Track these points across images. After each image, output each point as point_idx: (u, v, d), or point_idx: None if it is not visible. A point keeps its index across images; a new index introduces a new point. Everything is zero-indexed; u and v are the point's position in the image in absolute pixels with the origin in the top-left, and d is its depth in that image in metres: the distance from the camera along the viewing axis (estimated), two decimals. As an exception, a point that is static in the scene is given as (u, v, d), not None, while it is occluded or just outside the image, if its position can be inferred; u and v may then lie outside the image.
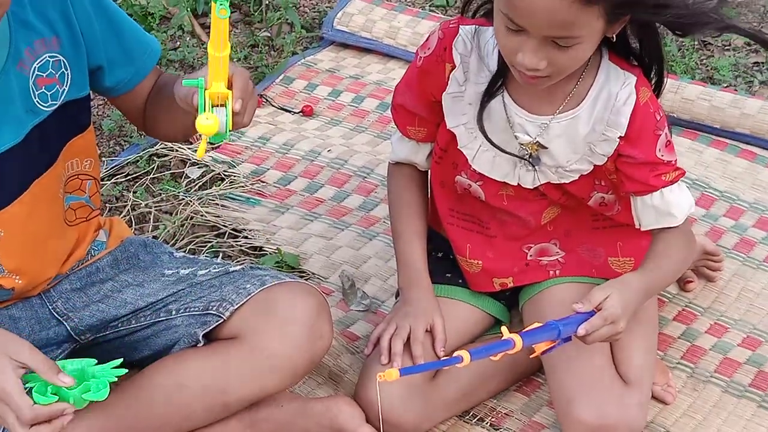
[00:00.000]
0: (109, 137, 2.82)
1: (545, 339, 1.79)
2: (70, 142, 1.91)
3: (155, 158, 2.72)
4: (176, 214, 2.57)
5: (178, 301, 1.98)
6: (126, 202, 2.59)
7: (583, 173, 1.96)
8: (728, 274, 2.41)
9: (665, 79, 1.96)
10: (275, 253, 2.44)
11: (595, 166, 1.95)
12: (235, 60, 3.17)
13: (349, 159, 2.74)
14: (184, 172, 2.70)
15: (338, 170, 2.72)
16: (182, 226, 2.54)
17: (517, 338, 1.72)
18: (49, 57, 1.82)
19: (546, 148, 1.94)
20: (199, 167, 2.70)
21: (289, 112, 2.94)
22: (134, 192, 2.62)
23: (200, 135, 1.67)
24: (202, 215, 2.57)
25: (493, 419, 2.10)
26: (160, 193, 2.64)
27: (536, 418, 2.11)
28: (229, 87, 1.68)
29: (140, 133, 2.76)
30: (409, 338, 2.00)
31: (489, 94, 1.93)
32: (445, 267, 2.16)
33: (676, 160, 1.94)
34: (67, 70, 1.85)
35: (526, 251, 2.09)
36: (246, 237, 2.52)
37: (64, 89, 1.85)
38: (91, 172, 1.98)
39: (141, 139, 2.75)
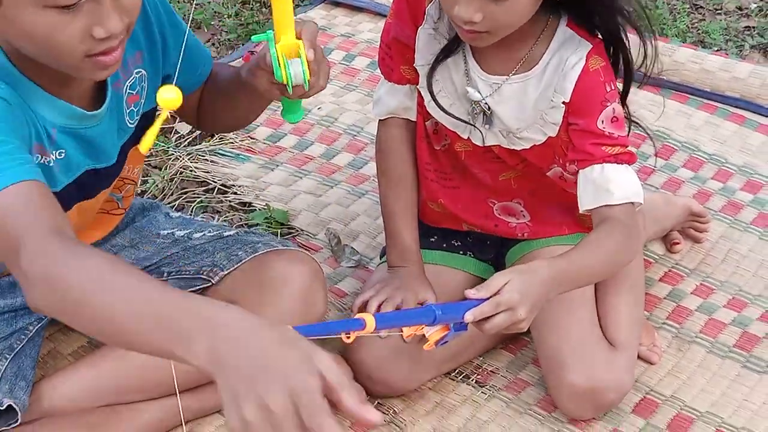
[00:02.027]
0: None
1: (420, 322, 1.72)
2: (129, 152, 1.91)
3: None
4: (165, 169, 2.57)
5: (172, 264, 1.98)
6: (138, 182, 2.58)
7: (537, 143, 1.93)
8: (715, 236, 2.42)
9: (632, 64, 1.91)
10: (264, 208, 2.44)
11: (549, 137, 1.91)
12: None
13: (339, 117, 2.74)
14: (173, 127, 2.69)
15: (328, 128, 2.72)
16: (171, 181, 2.53)
17: (369, 318, 1.58)
18: (135, 74, 1.80)
19: (492, 112, 1.92)
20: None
21: (280, 69, 2.93)
22: (123, 147, 2.61)
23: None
24: (191, 171, 2.57)
25: (478, 376, 2.11)
26: (150, 148, 2.62)
27: (521, 375, 2.12)
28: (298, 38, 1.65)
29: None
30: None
31: (449, 49, 1.92)
32: (430, 232, 2.15)
33: (624, 139, 1.87)
34: (145, 83, 1.83)
35: (491, 205, 2.08)
36: (235, 193, 2.52)
37: (142, 102, 1.84)
38: (134, 178, 1.98)
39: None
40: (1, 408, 1.77)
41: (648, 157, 2.61)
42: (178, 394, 1.71)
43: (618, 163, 1.85)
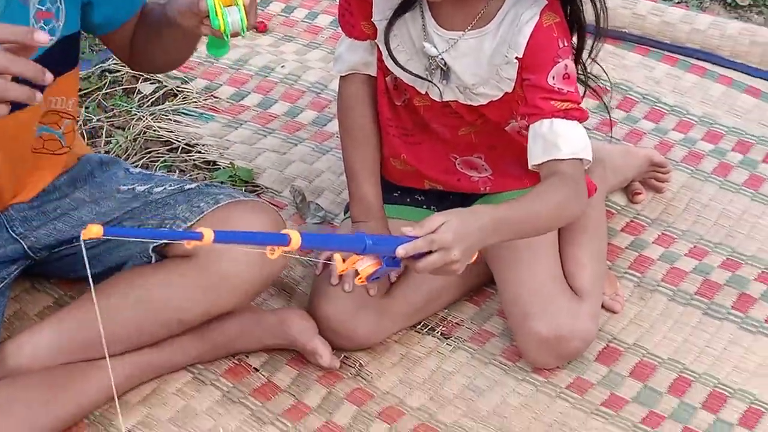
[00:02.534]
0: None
1: (349, 249, 1.70)
2: (56, 79, 1.88)
3: (107, 74, 2.70)
4: (129, 129, 2.55)
5: (133, 218, 1.97)
6: (78, 117, 2.57)
7: (494, 99, 1.93)
8: (676, 186, 2.44)
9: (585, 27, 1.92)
10: (228, 167, 2.44)
11: (505, 93, 1.91)
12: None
13: (303, 75, 2.74)
14: (136, 87, 2.68)
15: (291, 86, 2.71)
16: (135, 141, 2.52)
17: (294, 235, 1.57)
18: None
19: (448, 67, 1.92)
20: (151, 83, 2.69)
21: (242, 28, 2.92)
22: (86, 108, 2.59)
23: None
24: (154, 130, 2.56)
25: (443, 328, 2.12)
26: (113, 109, 2.62)
27: (486, 326, 2.13)
28: None
29: (91, 49, 2.74)
30: None
31: (406, 4, 1.91)
32: (394, 187, 2.15)
33: (574, 95, 1.86)
34: (61, 4, 1.81)
35: (453, 160, 2.08)
36: (199, 152, 2.51)
37: (59, 24, 1.81)
38: (71, 112, 1.96)
39: (92, 54, 2.72)
40: None
41: (611, 109, 2.62)
42: (109, 365, 1.68)
43: (568, 119, 1.85)
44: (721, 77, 2.77)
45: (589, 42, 1.95)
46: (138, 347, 1.93)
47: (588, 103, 2.13)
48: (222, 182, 2.39)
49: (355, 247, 1.68)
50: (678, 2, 3.01)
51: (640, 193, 2.39)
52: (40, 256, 1.99)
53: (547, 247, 2.05)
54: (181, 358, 1.99)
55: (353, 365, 2.04)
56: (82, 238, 1.43)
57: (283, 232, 1.56)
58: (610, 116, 2.22)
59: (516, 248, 1.98)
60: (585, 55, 1.96)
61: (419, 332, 2.11)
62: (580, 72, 1.95)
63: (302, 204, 2.36)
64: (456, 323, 2.13)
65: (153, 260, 1.92)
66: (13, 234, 1.96)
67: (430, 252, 1.69)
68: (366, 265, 1.71)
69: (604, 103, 2.14)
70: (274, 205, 2.35)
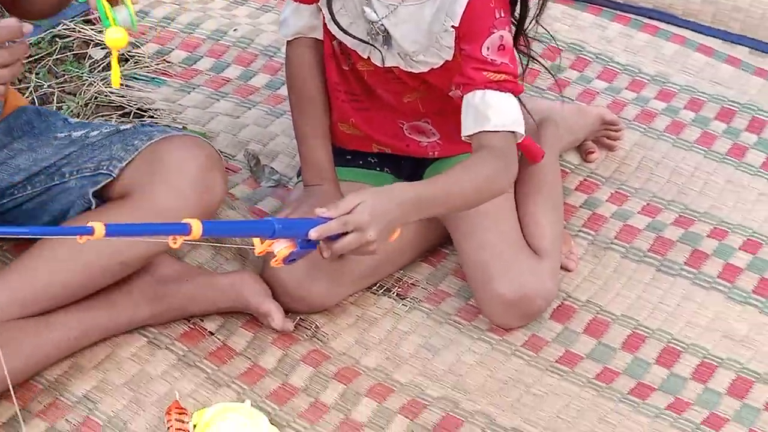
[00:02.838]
0: (10, 19, 2.76)
1: (257, 234, 1.71)
2: None
3: (58, 39, 2.66)
4: (80, 94, 2.53)
5: (71, 163, 1.95)
6: (29, 83, 2.54)
7: (434, 67, 1.93)
8: (629, 144, 2.45)
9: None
10: (182, 131, 2.42)
11: (446, 61, 1.91)
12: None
13: (256, 38, 2.72)
14: (87, 53, 2.65)
15: (244, 49, 2.69)
16: (86, 106, 2.50)
17: (194, 224, 1.58)
18: None
19: (389, 33, 1.92)
20: (102, 48, 2.65)
21: (195, -8, 2.90)
22: (37, 73, 2.57)
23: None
24: (106, 95, 2.53)
25: (399, 289, 2.12)
26: (63, 74, 2.60)
27: (441, 286, 2.14)
28: None
29: (43, 15, 2.72)
30: None
31: None
32: (345, 150, 2.15)
33: (508, 67, 1.85)
34: None
35: (401, 126, 2.08)
36: (152, 116, 2.49)
37: None
38: None
39: (43, 20, 2.69)
40: None
41: (563, 69, 2.62)
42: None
43: (501, 91, 1.84)
44: (673, 36, 2.77)
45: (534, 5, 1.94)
46: (84, 296, 1.92)
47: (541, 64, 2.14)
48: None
49: (263, 232, 1.69)
50: (630, -38, 3.01)
51: (593, 152, 2.40)
52: None
53: (505, 209, 2.06)
54: (135, 319, 1.98)
55: (309, 327, 2.04)
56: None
57: (185, 221, 1.57)
58: (555, 76, 2.23)
59: (474, 212, 1.97)
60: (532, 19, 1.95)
61: (375, 293, 2.12)
62: (522, 44, 1.94)
63: (256, 168, 2.35)
64: (411, 284, 2.14)
65: (93, 205, 1.91)
66: None
67: (345, 233, 1.70)
68: (281, 247, 1.72)
69: (546, 67, 2.15)
70: (228, 169, 2.34)
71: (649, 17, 2.82)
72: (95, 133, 1.99)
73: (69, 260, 1.88)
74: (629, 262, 2.19)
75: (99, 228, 1.47)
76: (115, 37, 1.65)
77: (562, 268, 2.15)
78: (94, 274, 1.91)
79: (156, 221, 1.83)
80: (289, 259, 1.75)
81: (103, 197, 1.92)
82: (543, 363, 2.00)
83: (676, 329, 2.07)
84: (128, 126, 2.01)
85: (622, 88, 2.59)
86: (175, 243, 1.58)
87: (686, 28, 2.81)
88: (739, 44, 2.76)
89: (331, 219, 1.71)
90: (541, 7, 1.93)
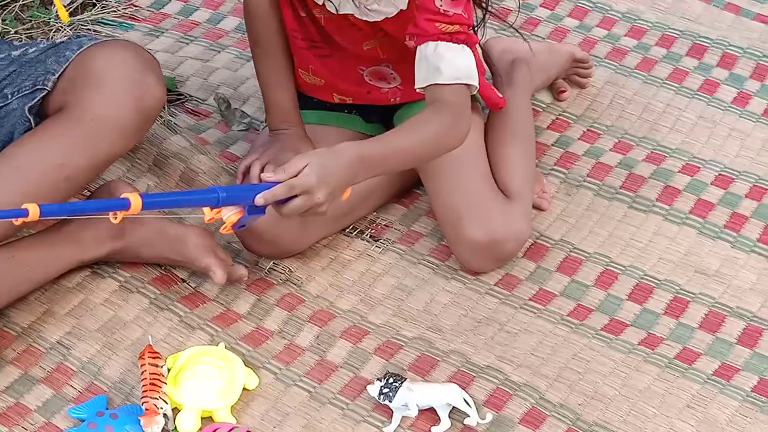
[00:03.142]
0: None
1: (200, 204, 1.71)
2: None
3: (23, -15, 2.64)
4: (48, 40, 2.51)
5: (12, 84, 1.92)
6: (-5, 29, 2.52)
7: (389, 16, 1.91)
8: (600, 81, 2.45)
9: None
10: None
11: (400, 10, 1.89)
12: None
13: (226, -18, 2.70)
14: (53, -2, 2.63)
15: (212, -8, 2.67)
16: (54, 52, 2.48)
17: (133, 197, 1.59)
18: None
19: None
20: (68, -7, 2.64)
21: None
22: (3, 20, 2.54)
23: None
24: (73, 41, 2.52)
25: (372, 231, 2.13)
26: (30, 20, 2.57)
27: (415, 227, 2.14)
28: None
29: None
30: None
31: None
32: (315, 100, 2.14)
33: (461, 17, 1.83)
34: None
35: (361, 72, 2.06)
36: (120, 62, 2.47)
37: None
38: None
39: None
40: None
41: (534, 8, 2.61)
42: None
43: (454, 42, 1.82)
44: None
45: None
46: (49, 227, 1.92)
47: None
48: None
49: (207, 202, 1.68)
50: None
51: (564, 91, 2.40)
52: None
53: (476, 152, 2.05)
54: (95, 251, 1.98)
55: (283, 272, 2.05)
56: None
57: (123, 196, 1.57)
58: (512, 26, 2.20)
59: (444, 156, 1.96)
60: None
61: (348, 236, 2.12)
62: None
63: (227, 111, 2.34)
64: (384, 225, 2.14)
65: (33, 123, 1.89)
66: None
67: (292, 196, 1.70)
68: (230, 213, 1.71)
69: (504, 20, 2.15)
70: (198, 112, 2.33)
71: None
72: (33, 50, 1.95)
73: (12, 182, 1.84)
74: (601, 200, 2.20)
75: (33, 210, 1.50)
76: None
77: (535, 207, 2.15)
78: (42, 193, 1.85)
79: (95, 132, 1.83)
80: (239, 225, 1.74)
81: (42, 114, 1.90)
82: (516, 301, 2.01)
83: (649, 265, 2.08)
84: (64, 39, 1.97)
85: (593, 25, 2.59)
86: (115, 219, 1.58)
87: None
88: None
89: (278, 183, 1.70)
90: None
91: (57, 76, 1.87)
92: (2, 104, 1.91)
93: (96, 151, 1.86)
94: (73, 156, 1.85)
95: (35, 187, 1.81)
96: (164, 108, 2.17)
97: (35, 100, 1.88)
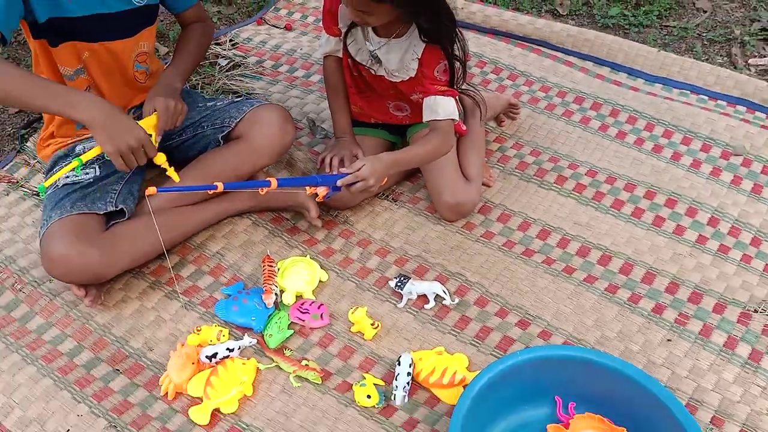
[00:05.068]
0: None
1: (309, 184, 1.74)
2: (141, 31, 1.85)
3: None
4: (213, 84, 2.49)
5: (206, 121, 1.95)
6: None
7: (404, 79, 1.90)
8: (523, 116, 2.42)
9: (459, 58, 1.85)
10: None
11: (410, 77, 1.88)
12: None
13: (312, 54, 2.68)
14: (217, 61, 2.61)
15: (306, 60, 2.64)
16: (216, 91, 2.46)
17: (273, 180, 1.65)
18: None
19: (379, 58, 1.89)
20: (224, 59, 2.62)
21: (277, 27, 2.85)
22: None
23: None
24: (228, 86, 2.49)
25: (393, 196, 2.13)
26: (203, 73, 2.55)
27: (417, 195, 2.14)
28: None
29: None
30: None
31: (353, 24, 1.89)
32: (357, 121, 2.12)
33: (447, 83, 1.82)
34: None
35: (388, 106, 2.06)
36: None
37: None
38: (150, 52, 1.92)
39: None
40: (117, 209, 1.77)
41: (487, 73, 2.59)
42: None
43: (445, 96, 1.82)
44: (550, 56, 2.71)
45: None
46: (217, 197, 1.93)
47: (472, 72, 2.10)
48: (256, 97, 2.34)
49: (312, 183, 1.73)
50: (527, 12, 2.95)
51: (503, 121, 2.38)
52: (159, 146, 1.95)
53: (452, 155, 2.04)
54: (242, 206, 1.99)
55: (343, 217, 2.05)
56: (147, 193, 1.55)
57: (267, 179, 1.64)
58: (463, 82, 2.17)
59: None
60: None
61: (379, 198, 2.12)
62: (458, 73, 1.90)
63: (313, 127, 2.34)
64: (400, 192, 2.14)
65: (222, 143, 1.91)
66: None
67: (356, 182, 1.73)
68: (322, 191, 1.75)
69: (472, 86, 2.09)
70: (297, 128, 2.34)
71: (536, 44, 2.77)
72: (220, 103, 1.98)
73: (209, 170, 1.88)
74: (523, 183, 2.18)
75: (274, 182, 1.61)
76: (161, 162, 1.69)
77: (484, 185, 2.14)
78: (223, 179, 1.89)
79: (255, 153, 1.86)
80: (327, 196, 1.77)
81: (225, 140, 1.92)
82: (473, 237, 2.01)
83: (548, 218, 2.06)
84: (239, 99, 1.99)
85: (521, 84, 2.57)
86: (262, 192, 1.64)
87: (557, 50, 2.74)
88: (588, 60, 2.70)
89: (348, 174, 1.73)
90: (464, 72, 1.89)
91: (237, 120, 1.89)
92: (200, 132, 1.94)
93: (255, 164, 1.91)
94: (241, 164, 1.89)
95: (222, 177, 1.83)
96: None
97: (223, 132, 1.89)
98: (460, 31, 1.81)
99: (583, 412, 1.54)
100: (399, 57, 1.87)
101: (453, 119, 1.85)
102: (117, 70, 1.85)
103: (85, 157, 1.61)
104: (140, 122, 1.67)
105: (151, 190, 1.55)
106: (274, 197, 1.99)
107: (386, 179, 1.83)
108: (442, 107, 1.82)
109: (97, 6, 1.73)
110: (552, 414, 1.56)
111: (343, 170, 1.76)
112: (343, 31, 1.94)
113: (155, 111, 1.71)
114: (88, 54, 1.78)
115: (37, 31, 1.71)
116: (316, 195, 1.78)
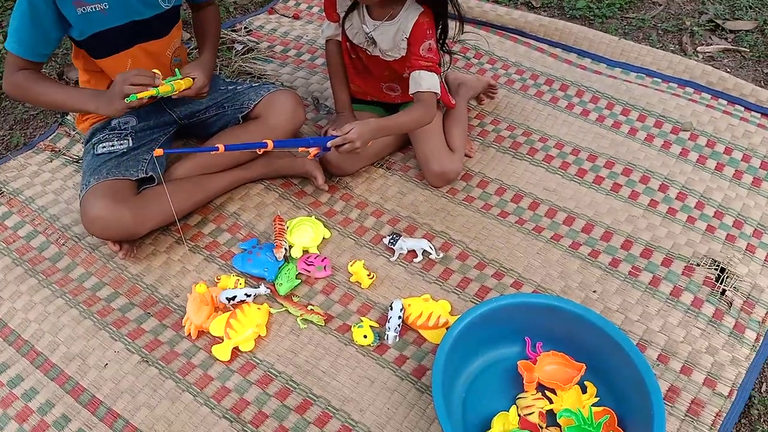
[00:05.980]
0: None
1: (301, 146, 1.71)
2: (174, 27, 1.81)
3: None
4: (230, 66, 2.46)
5: (228, 101, 1.93)
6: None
7: (396, 58, 1.88)
8: (501, 96, 2.39)
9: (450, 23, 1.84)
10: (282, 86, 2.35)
11: (402, 56, 1.86)
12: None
13: (317, 40, 2.63)
14: (233, 46, 2.57)
15: (312, 45, 2.60)
16: (233, 73, 2.42)
17: (270, 142, 1.61)
18: None
19: (374, 39, 1.86)
20: (239, 44, 2.57)
21: (286, 16, 2.79)
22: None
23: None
24: (243, 68, 2.45)
25: (387, 164, 2.11)
26: (220, 56, 2.51)
27: (408, 163, 2.12)
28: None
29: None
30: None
31: (353, 5, 1.86)
32: (355, 99, 2.10)
33: (433, 59, 1.79)
34: None
35: (382, 85, 2.03)
36: (265, 78, 2.42)
37: None
38: (180, 44, 1.89)
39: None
40: (147, 175, 1.76)
41: (470, 57, 2.56)
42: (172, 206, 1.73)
43: (428, 71, 1.80)
44: (524, 42, 2.67)
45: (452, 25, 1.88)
46: (234, 166, 1.92)
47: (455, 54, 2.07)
48: (272, 82, 2.31)
49: (304, 145, 1.70)
50: (505, 4, 2.90)
51: (483, 100, 2.35)
52: (183, 122, 1.95)
53: (438, 128, 2.02)
54: (256, 174, 1.98)
55: (343, 182, 2.04)
56: (155, 155, 1.53)
57: (264, 140, 1.60)
58: (459, 67, 2.15)
59: (422, 129, 1.95)
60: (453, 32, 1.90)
61: (374, 166, 2.10)
62: (445, 48, 1.89)
63: (317, 103, 2.31)
64: (393, 161, 2.12)
65: (240, 122, 1.89)
66: (168, 109, 1.92)
67: (344, 143, 1.70)
68: (313, 150, 1.72)
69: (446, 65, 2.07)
70: (305, 105, 2.30)
71: (514, 33, 2.72)
72: (240, 87, 1.96)
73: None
74: (500, 154, 2.16)
75: (270, 143, 1.56)
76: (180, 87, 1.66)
77: (466, 155, 2.13)
78: (242, 156, 1.90)
79: (270, 130, 1.84)
80: (317, 156, 1.75)
81: (245, 119, 1.90)
82: (456, 200, 2.00)
83: (522, 184, 2.05)
84: (257, 84, 1.97)
85: (499, 68, 2.53)
86: (260, 152, 1.61)
87: (531, 38, 2.69)
88: (557, 47, 2.67)
89: (337, 136, 1.70)
90: (461, 26, 1.87)
91: (256, 102, 1.87)
92: (222, 112, 1.92)
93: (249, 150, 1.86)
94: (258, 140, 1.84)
95: (234, 155, 1.85)
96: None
97: (243, 113, 1.87)
98: None
99: (549, 351, 1.56)
100: (391, 37, 1.85)
101: (435, 92, 1.83)
102: (158, 68, 1.82)
103: (162, 89, 1.63)
104: (172, 78, 1.66)
105: (158, 151, 1.53)
106: (285, 166, 1.98)
107: (371, 143, 1.81)
108: (425, 80, 1.79)
109: (131, 14, 1.70)
110: (522, 352, 1.58)
111: (332, 132, 1.73)
112: (342, 14, 1.90)
113: (193, 79, 1.70)
114: (131, 62, 1.77)
115: (78, 43, 1.71)
116: (308, 153, 1.77)
